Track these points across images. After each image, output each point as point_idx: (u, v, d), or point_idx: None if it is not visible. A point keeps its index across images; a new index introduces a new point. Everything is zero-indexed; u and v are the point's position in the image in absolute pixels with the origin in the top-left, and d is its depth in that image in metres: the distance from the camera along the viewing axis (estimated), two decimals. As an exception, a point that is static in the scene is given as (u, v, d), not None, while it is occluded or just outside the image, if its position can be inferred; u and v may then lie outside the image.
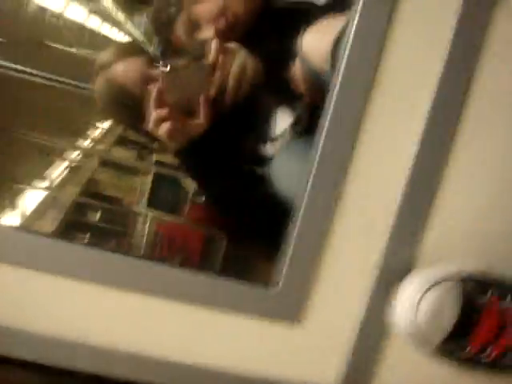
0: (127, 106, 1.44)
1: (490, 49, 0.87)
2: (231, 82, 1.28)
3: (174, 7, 1.48)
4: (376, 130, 0.90)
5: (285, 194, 1.34)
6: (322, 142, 0.89)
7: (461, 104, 0.89)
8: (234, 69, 1.28)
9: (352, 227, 0.92)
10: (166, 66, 1.26)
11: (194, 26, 1.49)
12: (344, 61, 0.89)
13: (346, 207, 0.91)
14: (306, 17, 1.27)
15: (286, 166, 1.38)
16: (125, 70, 1.48)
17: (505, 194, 0.92)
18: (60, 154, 6.06)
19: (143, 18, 1.62)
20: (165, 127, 1.25)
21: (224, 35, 1.49)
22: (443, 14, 0.89)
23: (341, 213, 0.92)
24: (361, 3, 0.86)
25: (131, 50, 1.50)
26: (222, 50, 1.29)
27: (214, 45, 1.28)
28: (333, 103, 0.89)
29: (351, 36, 0.89)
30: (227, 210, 1.49)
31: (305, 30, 1.22)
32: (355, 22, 0.89)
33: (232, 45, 1.35)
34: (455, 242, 0.92)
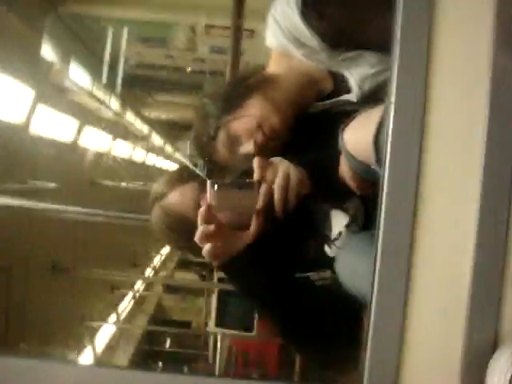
0: (185, 232, 1.45)
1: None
2: (277, 194, 1.28)
3: (212, 128, 1.52)
4: (432, 212, 0.88)
5: (355, 292, 1.31)
6: (381, 236, 0.87)
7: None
8: (278, 181, 1.29)
9: (427, 317, 0.88)
10: (214, 185, 1.27)
11: (234, 142, 1.52)
12: (388, 151, 0.88)
13: (417, 297, 0.88)
14: (344, 116, 1.28)
15: (351, 263, 1.36)
16: (179, 199, 1.51)
17: None
18: (125, 287, 6.15)
19: (187, 144, 1.67)
20: (208, 246, 1.25)
21: (264, 148, 1.51)
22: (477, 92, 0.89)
23: (413, 304, 0.89)
24: (394, 92, 0.87)
25: (181, 177, 1.53)
26: (265, 166, 1.31)
27: (256, 163, 1.30)
28: (385, 195, 0.88)
29: (391, 127, 0.89)
30: (290, 322, 1.45)
31: (344, 127, 1.23)
32: (392, 112, 0.89)
33: (274, 159, 1.36)
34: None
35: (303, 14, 1.35)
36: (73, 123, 4.34)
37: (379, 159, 1.10)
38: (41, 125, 3.72)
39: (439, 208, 0.86)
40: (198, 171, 1.42)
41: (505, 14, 0.84)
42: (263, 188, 1.24)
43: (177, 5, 4.00)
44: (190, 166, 1.45)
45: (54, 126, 4.04)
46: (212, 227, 1.23)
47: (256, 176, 1.28)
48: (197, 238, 1.24)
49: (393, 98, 0.87)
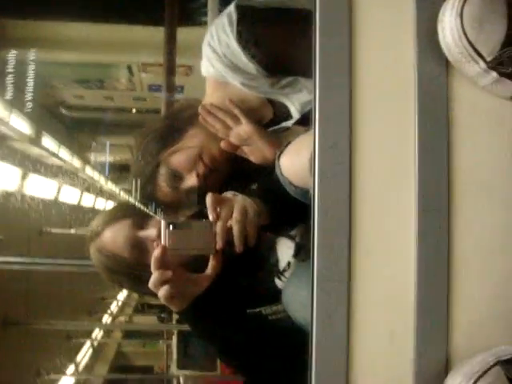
0: (126, 273, 1.40)
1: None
2: (236, 231, 1.24)
3: (151, 166, 1.49)
4: (369, 232, 0.87)
5: (305, 324, 1.27)
6: (316, 261, 0.85)
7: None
8: (236, 217, 1.25)
9: (373, 342, 0.86)
10: (169, 226, 1.21)
11: (175, 177, 1.49)
12: (316, 175, 0.87)
13: (358, 323, 0.86)
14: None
15: (297, 294, 1.33)
16: (111, 238, 1.46)
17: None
18: (82, 336, 6.00)
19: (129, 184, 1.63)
20: (163, 290, 1.18)
21: (207, 180, 1.49)
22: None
23: (356, 332, 0.86)
24: (317, 116, 0.85)
25: (115, 215, 1.48)
26: (219, 202, 1.27)
27: (209, 200, 1.26)
28: (317, 220, 0.86)
29: (316, 149, 0.87)
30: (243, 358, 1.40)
31: (280, 153, 1.21)
32: (316, 135, 0.87)
33: (227, 193, 1.33)
34: (483, 329, 0.86)
35: (239, 39, 1.33)
36: (16, 171, 4.26)
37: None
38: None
39: (376, 227, 0.85)
40: (151, 212, 1.38)
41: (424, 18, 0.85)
42: (219, 226, 1.20)
43: (112, 45, 3.99)
44: (132, 204, 1.40)
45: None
46: (168, 273, 1.17)
47: (210, 213, 1.24)
48: (151, 285, 1.18)
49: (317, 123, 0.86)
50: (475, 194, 0.86)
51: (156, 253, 1.15)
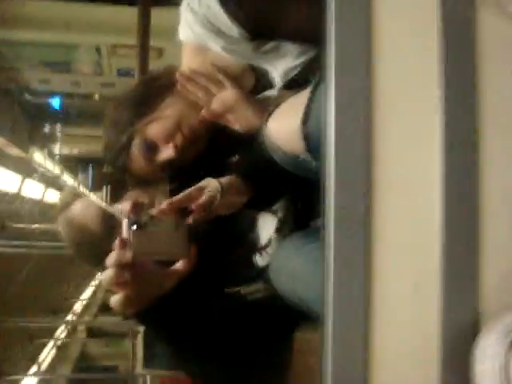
0: (90, 247, 1.30)
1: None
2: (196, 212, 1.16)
3: (125, 136, 1.41)
4: (390, 177, 0.80)
5: (297, 299, 1.20)
6: (331, 237, 0.77)
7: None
8: (202, 200, 1.18)
9: (395, 295, 0.79)
10: (133, 224, 1.08)
11: (151, 148, 1.41)
12: (332, 134, 0.79)
13: (381, 275, 0.79)
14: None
15: (288, 268, 1.25)
16: (82, 209, 1.38)
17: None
18: (45, 336, 5.86)
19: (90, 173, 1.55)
20: (117, 296, 1.03)
21: (185, 152, 1.41)
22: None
23: (376, 276, 0.79)
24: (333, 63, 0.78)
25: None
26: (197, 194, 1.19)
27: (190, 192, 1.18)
28: (333, 194, 0.78)
29: (332, 109, 0.79)
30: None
31: (268, 116, 1.14)
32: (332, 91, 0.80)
33: (204, 182, 1.24)
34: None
35: (222, 0, 1.26)
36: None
37: (310, 148, 1.02)
38: None
39: (398, 174, 0.78)
40: (112, 211, 1.27)
41: None
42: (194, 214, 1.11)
43: (79, 25, 3.87)
44: (107, 208, 1.30)
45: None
46: (126, 275, 1.03)
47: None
48: (104, 283, 1.05)
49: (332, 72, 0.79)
50: (504, 130, 0.81)
51: (115, 251, 1.02)
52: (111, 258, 1.00)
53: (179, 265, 1.05)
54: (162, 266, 1.05)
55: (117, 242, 1.01)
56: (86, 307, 7.60)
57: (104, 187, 1.37)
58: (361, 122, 0.78)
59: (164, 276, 1.06)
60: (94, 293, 7.46)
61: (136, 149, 1.34)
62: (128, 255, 0.99)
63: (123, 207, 1.25)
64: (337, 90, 0.78)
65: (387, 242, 0.75)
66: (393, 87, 0.80)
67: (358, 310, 0.75)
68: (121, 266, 1.00)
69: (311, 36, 1.30)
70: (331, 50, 0.78)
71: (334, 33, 0.78)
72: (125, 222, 1.03)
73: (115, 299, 1.01)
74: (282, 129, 1.05)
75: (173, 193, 1.22)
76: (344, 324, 0.77)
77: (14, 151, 4.75)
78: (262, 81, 1.39)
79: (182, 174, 1.38)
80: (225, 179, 1.20)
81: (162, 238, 1.05)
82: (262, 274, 1.30)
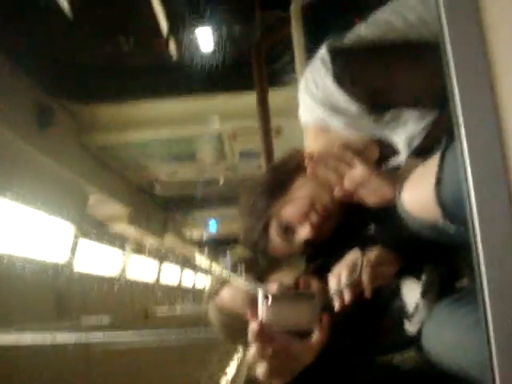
0: (242, 330, 1.33)
1: None
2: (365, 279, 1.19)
3: (262, 222, 1.46)
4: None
5: (455, 368, 1.16)
6: (488, 304, 0.74)
7: None
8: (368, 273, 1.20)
9: None
10: (267, 298, 1.09)
11: (287, 229, 1.45)
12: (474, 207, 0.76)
13: None
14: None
15: (440, 334, 1.22)
16: (231, 294, 1.43)
17: None
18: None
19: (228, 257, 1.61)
20: (262, 368, 1.05)
21: (320, 229, 1.44)
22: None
23: None
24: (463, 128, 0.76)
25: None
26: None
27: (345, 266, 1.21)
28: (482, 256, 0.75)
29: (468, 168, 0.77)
30: None
31: (400, 189, 1.13)
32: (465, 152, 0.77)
33: (350, 255, 1.26)
34: None
35: (336, 80, 1.31)
36: (117, 254, 4.32)
37: (447, 213, 1.01)
38: (85, 259, 3.72)
39: None
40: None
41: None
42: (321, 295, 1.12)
43: (202, 116, 4.09)
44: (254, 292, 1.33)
45: (98, 258, 4.04)
46: (268, 349, 1.06)
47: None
48: (249, 359, 1.08)
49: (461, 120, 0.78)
50: None
51: (253, 326, 1.05)
52: (250, 333, 1.04)
53: (315, 337, 1.06)
54: (301, 339, 1.08)
55: (249, 314, 1.05)
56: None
57: (244, 270, 1.41)
58: (500, 181, 0.76)
59: (302, 348, 1.08)
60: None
61: (274, 232, 1.39)
62: (264, 328, 1.03)
63: (270, 289, 1.28)
64: (470, 147, 0.77)
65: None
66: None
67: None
68: (262, 341, 1.03)
69: (429, 98, 1.31)
70: (457, 107, 0.78)
71: (457, 90, 0.78)
72: (260, 295, 1.06)
73: (261, 370, 1.05)
74: (417, 198, 1.05)
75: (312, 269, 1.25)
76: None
77: (150, 240, 4.96)
78: (385, 150, 1.41)
79: (319, 250, 1.41)
80: (372, 252, 1.21)
81: (295, 310, 1.07)
82: (413, 342, 1.28)
